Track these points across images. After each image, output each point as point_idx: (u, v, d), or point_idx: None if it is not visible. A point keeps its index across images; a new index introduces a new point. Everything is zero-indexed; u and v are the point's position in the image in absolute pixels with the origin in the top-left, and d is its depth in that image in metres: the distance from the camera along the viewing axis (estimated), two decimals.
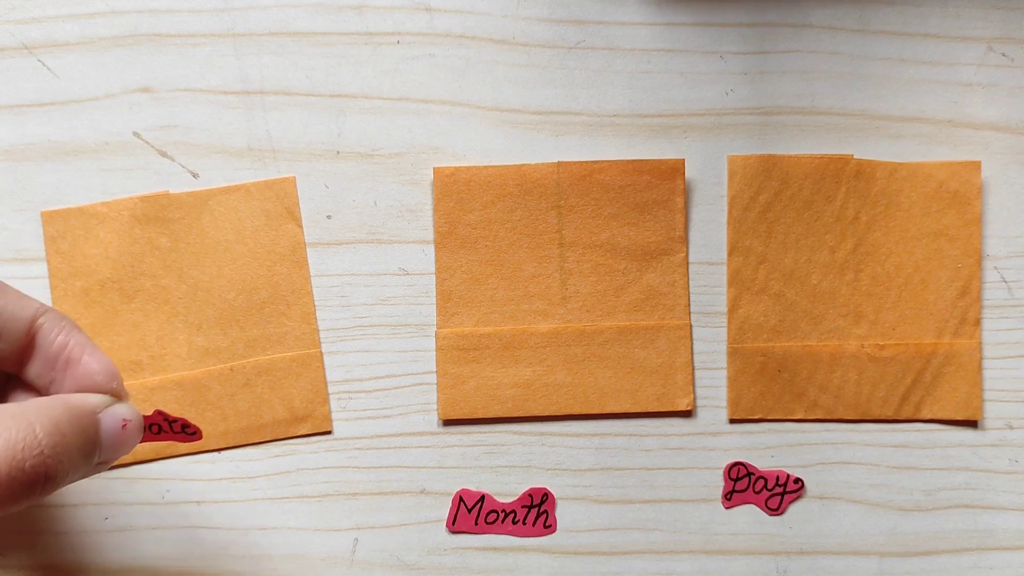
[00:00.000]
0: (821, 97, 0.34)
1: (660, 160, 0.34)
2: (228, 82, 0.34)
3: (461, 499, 0.33)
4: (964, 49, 0.34)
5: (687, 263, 0.34)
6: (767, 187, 0.34)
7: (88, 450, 0.24)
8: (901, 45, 0.34)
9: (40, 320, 0.26)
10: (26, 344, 0.25)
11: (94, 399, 0.25)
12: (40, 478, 0.23)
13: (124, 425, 0.26)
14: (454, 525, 0.34)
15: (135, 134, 0.34)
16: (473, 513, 0.33)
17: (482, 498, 0.33)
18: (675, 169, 0.34)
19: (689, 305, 0.34)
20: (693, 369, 0.34)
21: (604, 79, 0.34)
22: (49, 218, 0.33)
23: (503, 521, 0.33)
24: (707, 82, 0.34)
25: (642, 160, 0.34)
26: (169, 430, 0.31)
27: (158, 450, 0.33)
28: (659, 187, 0.34)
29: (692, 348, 0.34)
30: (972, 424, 0.34)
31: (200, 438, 0.31)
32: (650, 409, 0.34)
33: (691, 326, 0.34)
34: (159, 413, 0.31)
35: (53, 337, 0.26)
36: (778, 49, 0.34)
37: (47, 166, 0.34)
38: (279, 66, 0.34)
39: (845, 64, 0.34)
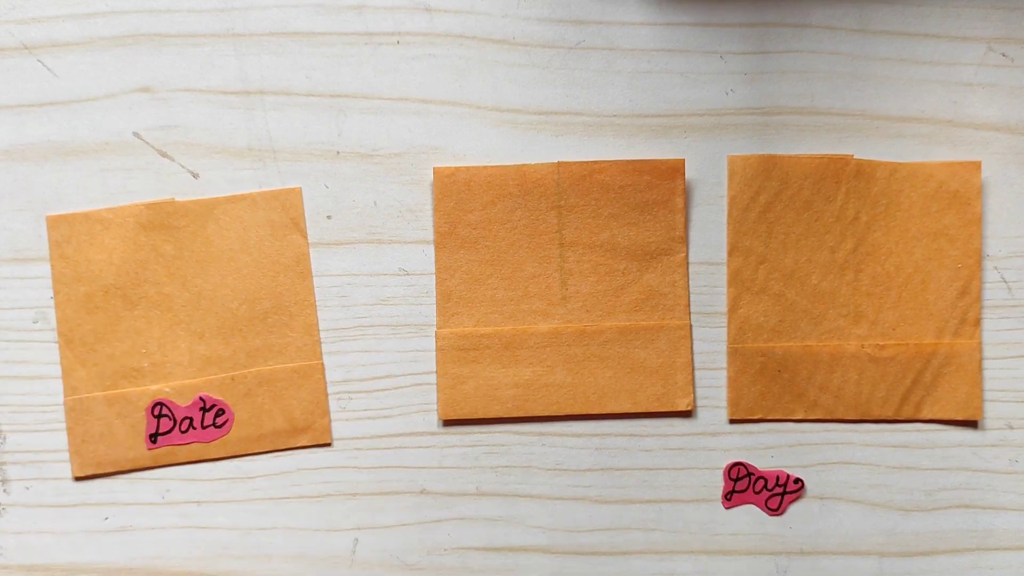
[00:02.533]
0: (821, 97, 0.34)
1: (660, 160, 0.34)
2: (228, 82, 0.34)
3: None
4: (964, 49, 0.34)
5: (687, 263, 0.34)
6: (767, 187, 0.34)
7: None
8: (901, 45, 0.34)
9: None
10: None
11: None
12: None
13: None
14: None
15: (135, 134, 0.34)
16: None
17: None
18: (675, 169, 0.34)
19: (689, 305, 0.34)
20: (693, 369, 0.34)
21: (604, 79, 0.34)
22: (54, 223, 0.33)
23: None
24: (707, 82, 0.34)
25: (642, 160, 0.34)
26: (200, 425, 0.32)
27: (156, 458, 0.33)
28: (659, 187, 0.34)
29: (692, 348, 0.34)
30: (972, 424, 0.34)
31: (229, 429, 0.32)
32: (650, 409, 0.34)
33: (691, 326, 0.34)
34: (200, 399, 0.31)
35: None
36: (778, 49, 0.34)
37: (47, 166, 0.34)
38: (279, 66, 0.34)
39: (845, 64, 0.34)
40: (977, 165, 0.34)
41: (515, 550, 0.34)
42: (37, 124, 0.34)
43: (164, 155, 0.34)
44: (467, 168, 0.33)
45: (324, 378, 0.34)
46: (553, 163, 0.34)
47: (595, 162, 0.34)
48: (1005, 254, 0.34)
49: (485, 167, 0.33)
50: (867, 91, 0.34)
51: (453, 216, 0.33)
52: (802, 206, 0.34)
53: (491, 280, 0.34)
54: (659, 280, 0.34)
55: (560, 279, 0.34)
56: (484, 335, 0.34)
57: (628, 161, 0.34)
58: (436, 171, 0.33)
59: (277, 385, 0.33)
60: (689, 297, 0.34)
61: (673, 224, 0.34)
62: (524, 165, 0.34)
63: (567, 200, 0.34)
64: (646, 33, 0.34)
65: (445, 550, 0.34)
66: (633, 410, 0.34)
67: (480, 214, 0.34)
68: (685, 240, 0.34)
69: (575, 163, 0.34)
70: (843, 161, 0.34)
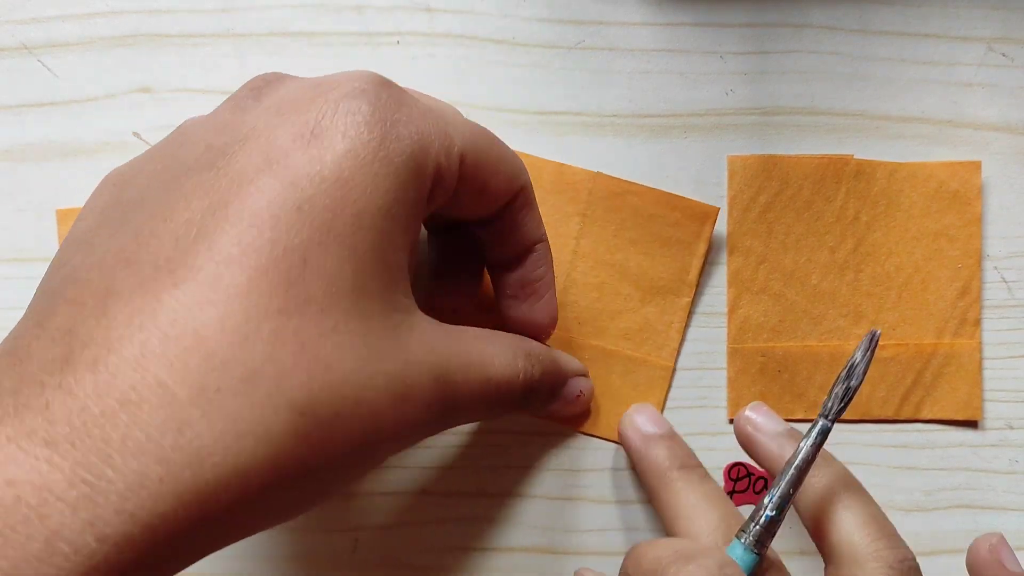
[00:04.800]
0: (821, 97, 0.34)
1: (695, 202, 0.33)
2: (228, 82, 0.34)
3: None
4: (964, 49, 0.34)
5: (690, 309, 0.34)
6: (767, 187, 0.34)
7: (537, 396, 0.29)
8: (901, 45, 0.34)
9: (537, 246, 0.29)
10: (519, 255, 0.29)
11: (575, 365, 0.32)
12: (518, 392, 0.28)
13: (579, 395, 0.31)
14: None
15: (135, 134, 0.34)
16: None
17: None
18: (707, 215, 0.33)
19: (679, 350, 0.34)
20: (663, 411, 0.34)
21: (604, 79, 0.34)
22: (64, 216, 0.33)
23: None
24: (707, 82, 0.34)
25: (678, 196, 0.33)
26: None
27: None
28: (686, 227, 0.33)
29: (668, 392, 0.34)
30: (972, 424, 0.34)
31: None
32: (610, 438, 0.34)
33: (675, 370, 0.34)
34: None
35: (537, 265, 0.29)
36: (778, 49, 0.34)
37: (47, 166, 0.34)
38: (279, 66, 0.34)
39: (845, 64, 0.34)
40: (977, 165, 0.34)
41: (515, 550, 0.34)
42: (37, 124, 0.34)
43: None
44: None
45: None
46: (592, 172, 0.33)
47: (631, 184, 0.33)
48: (1005, 254, 0.34)
49: (526, 154, 0.33)
50: (867, 91, 0.34)
51: None
52: (802, 206, 0.34)
53: None
54: (657, 317, 0.34)
55: (563, 286, 0.34)
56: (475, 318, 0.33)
57: (664, 193, 0.33)
58: None
59: None
60: (682, 342, 0.34)
61: (688, 267, 0.34)
62: (564, 165, 0.33)
63: (594, 212, 0.33)
64: (646, 33, 0.34)
65: (445, 550, 0.34)
66: (593, 432, 0.34)
67: None
68: (695, 287, 0.34)
69: (612, 179, 0.33)
70: (843, 161, 0.34)
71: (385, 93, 0.24)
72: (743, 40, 0.34)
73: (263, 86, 0.25)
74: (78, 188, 0.34)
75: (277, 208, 0.21)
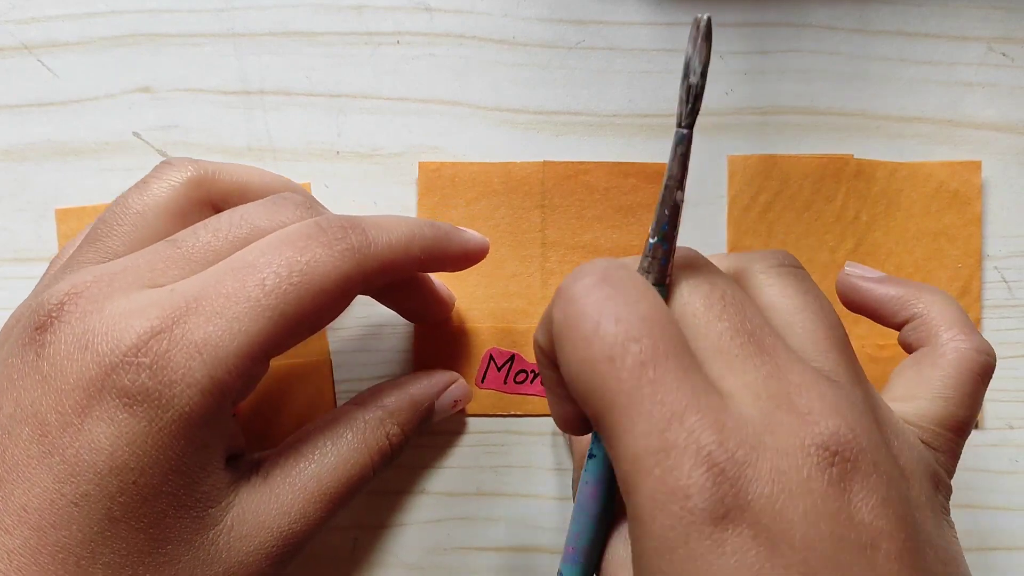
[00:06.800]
0: (821, 97, 0.34)
1: (645, 164, 0.34)
2: (228, 82, 0.34)
3: (491, 357, 0.33)
4: (964, 49, 0.34)
5: None
6: (767, 187, 0.34)
7: (419, 427, 0.31)
8: (901, 45, 0.34)
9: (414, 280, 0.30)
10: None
11: (436, 385, 0.31)
12: (388, 451, 0.29)
13: (455, 405, 0.32)
14: (483, 383, 0.33)
15: (135, 134, 0.34)
16: (503, 372, 0.33)
17: (512, 357, 0.33)
18: (659, 173, 0.34)
19: None
20: None
21: (604, 79, 0.34)
22: (63, 216, 0.33)
23: (532, 381, 0.33)
24: (707, 82, 0.34)
25: (627, 163, 0.34)
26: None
27: None
28: (644, 190, 0.34)
29: None
30: None
31: None
32: None
33: None
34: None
35: (424, 290, 0.31)
36: (778, 49, 0.34)
37: (47, 166, 0.34)
38: (279, 66, 0.34)
39: (845, 64, 0.34)
40: (977, 165, 0.34)
41: (515, 550, 0.34)
42: (37, 124, 0.34)
43: (164, 155, 0.34)
44: (453, 163, 0.33)
45: (331, 374, 0.34)
46: (538, 162, 0.33)
47: (580, 163, 0.33)
48: (1005, 254, 0.34)
49: (471, 163, 0.33)
50: (867, 91, 0.34)
51: (437, 211, 0.33)
52: (802, 206, 0.34)
53: (471, 277, 0.33)
54: None
55: (541, 279, 0.34)
56: (463, 332, 0.33)
57: (613, 163, 0.33)
58: (421, 165, 0.33)
59: (283, 381, 0.33)
60: None
61: None
62: (510, 163, 0.33)
63: (551, 200, 0.34)
64: (646, 33, 0.34)
65: (445, 550, 0.34)
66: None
67: (464, 210, 0.33)
68: None
69: (560, 163, 0.33)
70: (843, 161, 0.34)
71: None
72: (743, 40, 0.34)
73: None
74: (78, 188, 0.34)
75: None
